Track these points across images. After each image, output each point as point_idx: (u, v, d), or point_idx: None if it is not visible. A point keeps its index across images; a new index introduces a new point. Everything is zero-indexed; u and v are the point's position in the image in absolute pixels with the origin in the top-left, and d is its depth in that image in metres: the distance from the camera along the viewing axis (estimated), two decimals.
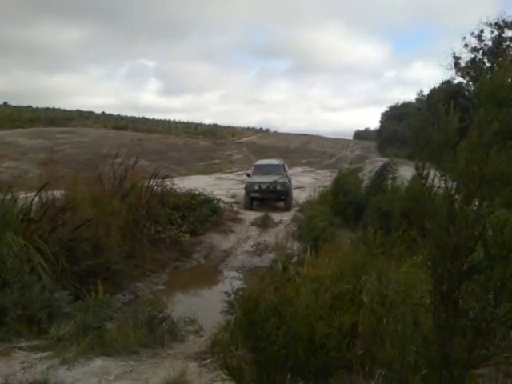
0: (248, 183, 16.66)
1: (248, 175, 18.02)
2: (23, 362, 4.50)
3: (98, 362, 4.67)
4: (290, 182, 17.26)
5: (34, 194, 8.26)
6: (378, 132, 62.13)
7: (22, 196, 7.85)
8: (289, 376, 3.30)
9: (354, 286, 4.47)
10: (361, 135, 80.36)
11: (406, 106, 56.12)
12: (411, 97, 69.05)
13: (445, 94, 26.87)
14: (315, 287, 3.68)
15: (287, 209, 16.25)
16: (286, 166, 18.85)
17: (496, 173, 2.25)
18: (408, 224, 3.39)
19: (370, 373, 3.39)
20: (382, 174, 14.45)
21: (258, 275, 7.21)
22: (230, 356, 3.52)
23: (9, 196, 7.61)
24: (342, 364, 3.41)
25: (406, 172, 12.93)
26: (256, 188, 16.30)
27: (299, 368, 3.27)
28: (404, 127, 44.10)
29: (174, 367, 4.45)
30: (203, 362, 4.80)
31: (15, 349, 4.94)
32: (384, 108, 63.30)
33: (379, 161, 22.73)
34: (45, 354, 4.75)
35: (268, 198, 16.46)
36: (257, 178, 16.82)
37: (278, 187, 16.26)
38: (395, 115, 56.57)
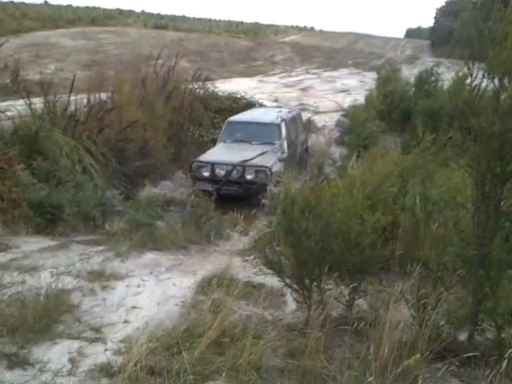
0: (194, 162, 8.65)
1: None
2: (81, 254, 4.87)
3: (149, 256, 5.02)
4: (282, 160, 8.81)
5: (81, 96, 8.40)
6: (432, 30, 57.77)
7: (68, 98, 7.98)
8: (326, 270, 3.48)
9: (399, 190, 4.50)
10: (413, 34, 75.35)
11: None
12: None
13: None
14: (351, 188, 3.75)
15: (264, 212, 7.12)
16: (296, 115, 10.98)
17: None
18: (454, 127, 3.31)
19: (408, 272, 3.50)
20: (424, 77, 13.78)
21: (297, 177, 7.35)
22: (271, 251, 3.71)
23: (53, 96, 7.77)
24: (377, 262, 3.54)
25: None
26: (206, 174, 8.41)
27: (336, 264, 3.43)
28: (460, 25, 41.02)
29: (219, 261, 4.73)
30: (247, 257, 5.08)
31: (73, 242, 5.35)
32: (440, 3, 58.03)
33: (430, 62, 21.50)
34: (100, 248, 5.12)
35: (229, 194, 8.21)
36: (217, 153, 9.04)
37: (249, 176, 8.31)
38: (452, 11, 52.32)
